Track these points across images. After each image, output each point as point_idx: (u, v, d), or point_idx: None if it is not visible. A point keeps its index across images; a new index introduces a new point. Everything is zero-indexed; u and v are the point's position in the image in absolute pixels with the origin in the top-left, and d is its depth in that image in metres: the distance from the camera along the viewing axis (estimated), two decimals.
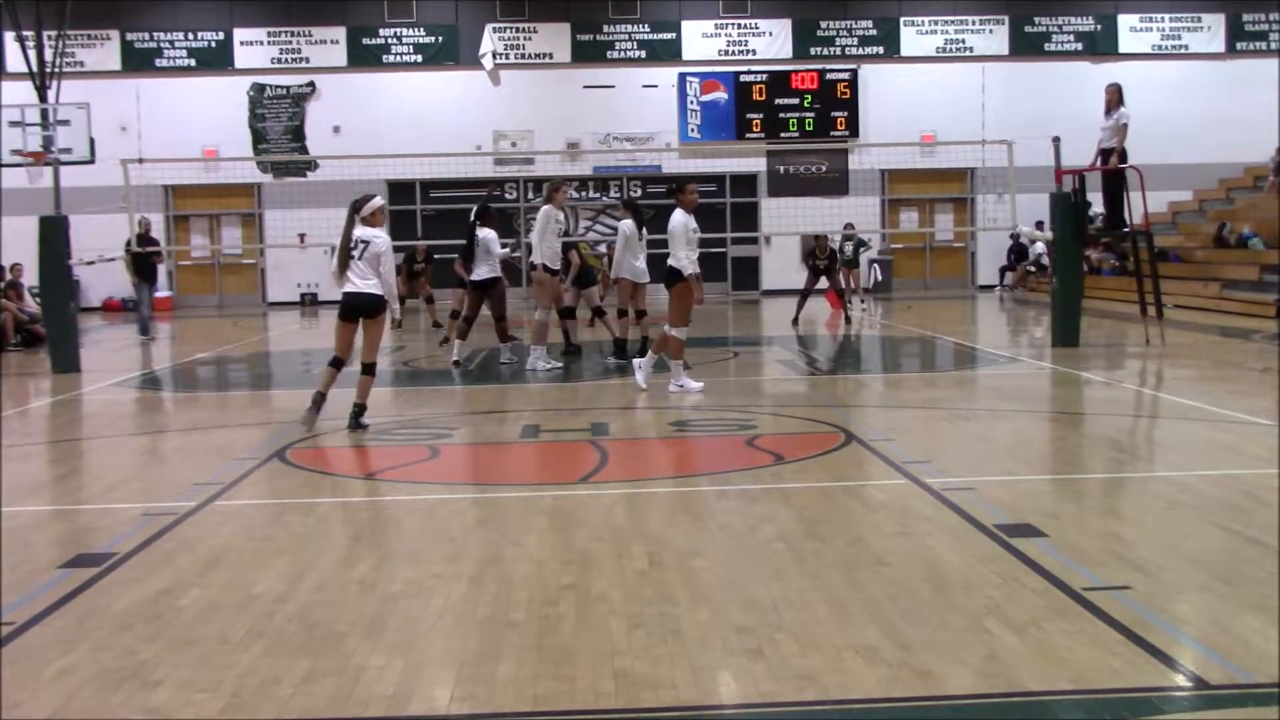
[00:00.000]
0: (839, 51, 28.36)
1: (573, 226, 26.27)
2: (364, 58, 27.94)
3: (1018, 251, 27.11)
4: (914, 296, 26.47)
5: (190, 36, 27.75)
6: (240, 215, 28.47)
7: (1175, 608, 4.59)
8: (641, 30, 28.24)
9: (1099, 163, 14.70)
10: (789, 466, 7.60)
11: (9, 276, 18.77)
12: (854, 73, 28.10)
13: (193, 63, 27.80)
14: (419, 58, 28.04)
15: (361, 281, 9.14)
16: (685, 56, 28.22)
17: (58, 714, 3.76)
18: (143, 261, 19.13)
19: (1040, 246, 23.78)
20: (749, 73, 28.14)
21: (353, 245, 9.14)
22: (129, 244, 17.97)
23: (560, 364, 13.25)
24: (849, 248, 21.86)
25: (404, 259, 19.84)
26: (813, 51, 28.33)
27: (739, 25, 28.35)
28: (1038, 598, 4.66)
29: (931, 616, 4.47)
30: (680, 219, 10.74)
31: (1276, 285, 18.23)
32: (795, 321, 18.64)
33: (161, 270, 27.36)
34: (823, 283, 19.24)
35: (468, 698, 3.81)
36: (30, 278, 17.83)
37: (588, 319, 15.31)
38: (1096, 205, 15.57)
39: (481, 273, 13.13)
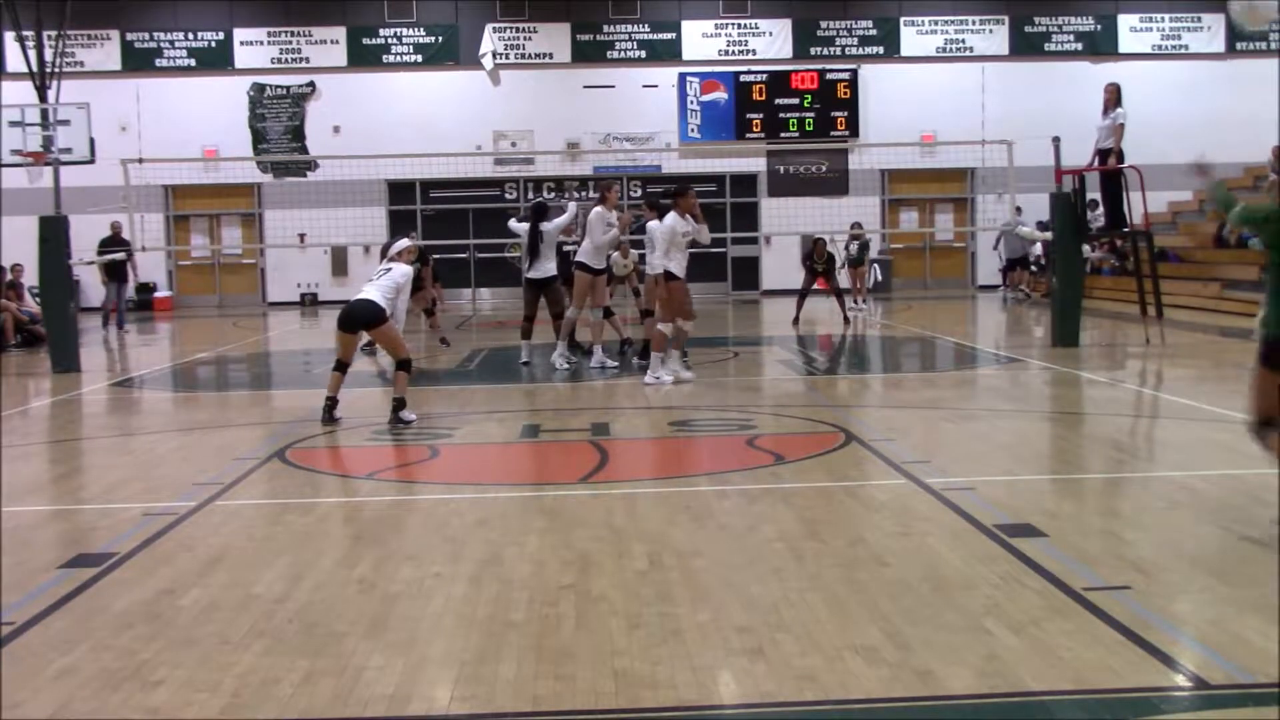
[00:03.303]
0: (839, 51, 28.34)
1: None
2: (364, 58, 27.92)
3: (1010, 260, 26.06)
4: (914, 296, 26.46)
5: (190, 36, 27.73)
6: (240, 215, 28.46)
7: (1175, 608, 4.59)
8: (641, 30, 28.23)
9: (1096, 163, 14.71)
10: (789, 466, 7.60)
11: (9, 276, 18.76)
12: (854, 73, 28.09)
13: (193, 63, 27.77)
14: (419, 58, 28.02)
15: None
16: (685, 56, 28.19)
17: (58, 714, 3.76)
18: (113, 262, 19.33)
19: (1038, 248, 23.73)
20: (749, 73, 28.12)
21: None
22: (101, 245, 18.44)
23: (616, 364, 13.09)
24: (854, 247, 21.86)
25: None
26: (813, 51, 28.31)
27: (739, 25, 28.34)
28: (1038, 598, 4.66)
29: (931, 616, 4.47)
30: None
31: None
32: (795, 321, 18.64)
33: (161, 270, 27.47)
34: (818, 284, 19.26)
35: (468, 698, 3.81)
36: (30, 278, 17.83)
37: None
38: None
39: (541, 270, 13.07)
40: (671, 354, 11.61)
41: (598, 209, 12.99)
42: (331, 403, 9.61)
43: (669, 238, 11.21)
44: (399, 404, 9.48)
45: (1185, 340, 14.93)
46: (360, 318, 9.54)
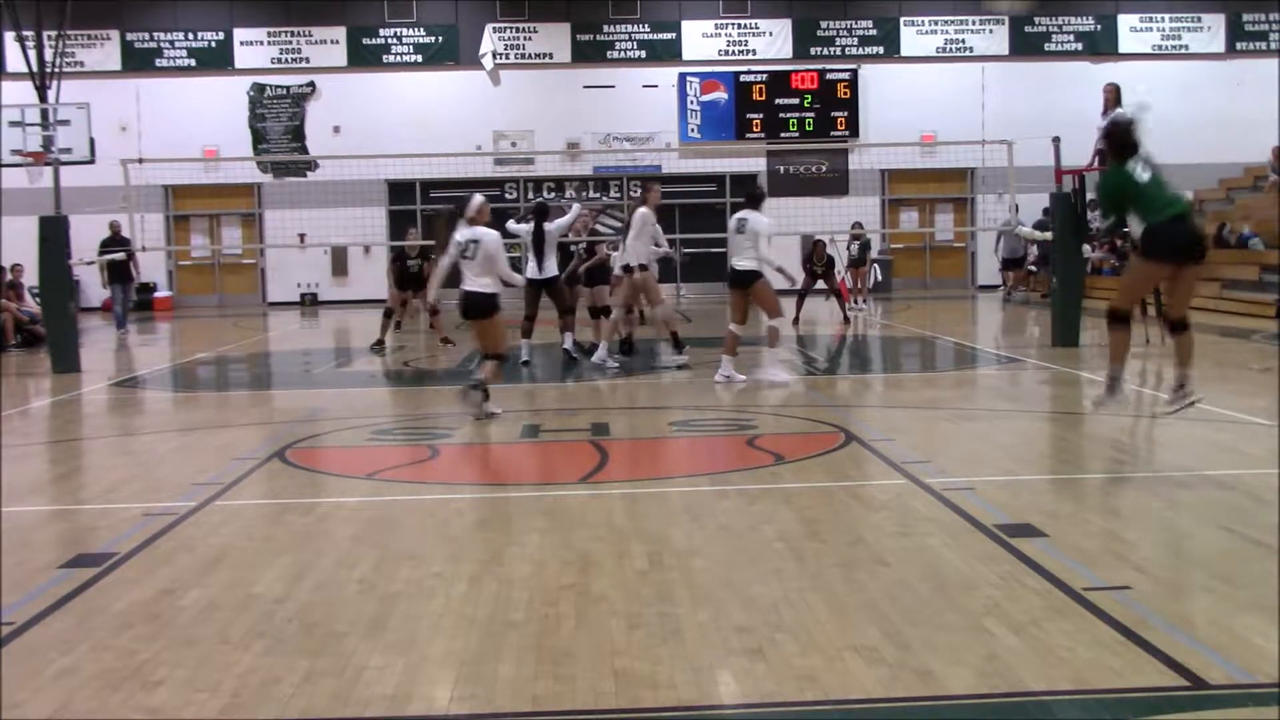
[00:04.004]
0: (839, 51, 28.35)
1: None
2: (364, 58, 27.93)
3: (1006, 260, 25.99)
4: (914, 296, 26.47)
5: (190, 36, 27.74)
6: (240, 215, 28.47)
7: (1175, 608, 4.59)
8: (641, 30, 28.23)
9: (1096, 163, 14.70)
10: (789, 466, 7.60)
11: (9, 276, 18.76)
12: (854, 73, 28.09)
13: (193, 63, 27.79)
14: (419, 58, 28.03)
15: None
16: (685, 56, 28.20)
17: (58, 714, 3.76)
18: (115, 262, 19.27)
19: (1034, 248, 23.70)
20: (749, 73, 28.13)
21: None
22: (102, 245, 18.49)
23: (617, 364, 13.02)
24: (855, 247, 21.86)
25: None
26: (813, 51, 28.32)
27: (739, 25, 28.35)
28: (1038, 598, 4.66)
29: (931, 616, 4.47)
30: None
31: (1276, 285, 18.22)
32: (795, 322, 18.63)
33: (161, 270, 27.48)
34: (819, 284, 19.26)
35: (468, 698, 3.81)
36: (30, 278, 17.83)
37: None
38: None
39: (543, 270, 13.07)
40: (776, 349, 11.78)
41: (643, 210, 13.02)
42: (478, 386, 9.49)
43: (768, 235, 11.28)
44: (480, 384, 9.40)
45: None
46: (480, 307, 9.38)
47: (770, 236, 11.27)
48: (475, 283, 9.35)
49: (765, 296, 11.36)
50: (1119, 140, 7.45)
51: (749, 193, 11.92)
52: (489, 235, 9.34)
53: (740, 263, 11.30)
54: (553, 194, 27.69)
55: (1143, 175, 7.24)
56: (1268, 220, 21.18)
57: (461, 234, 9.39)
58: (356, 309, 26.21)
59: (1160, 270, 7.27)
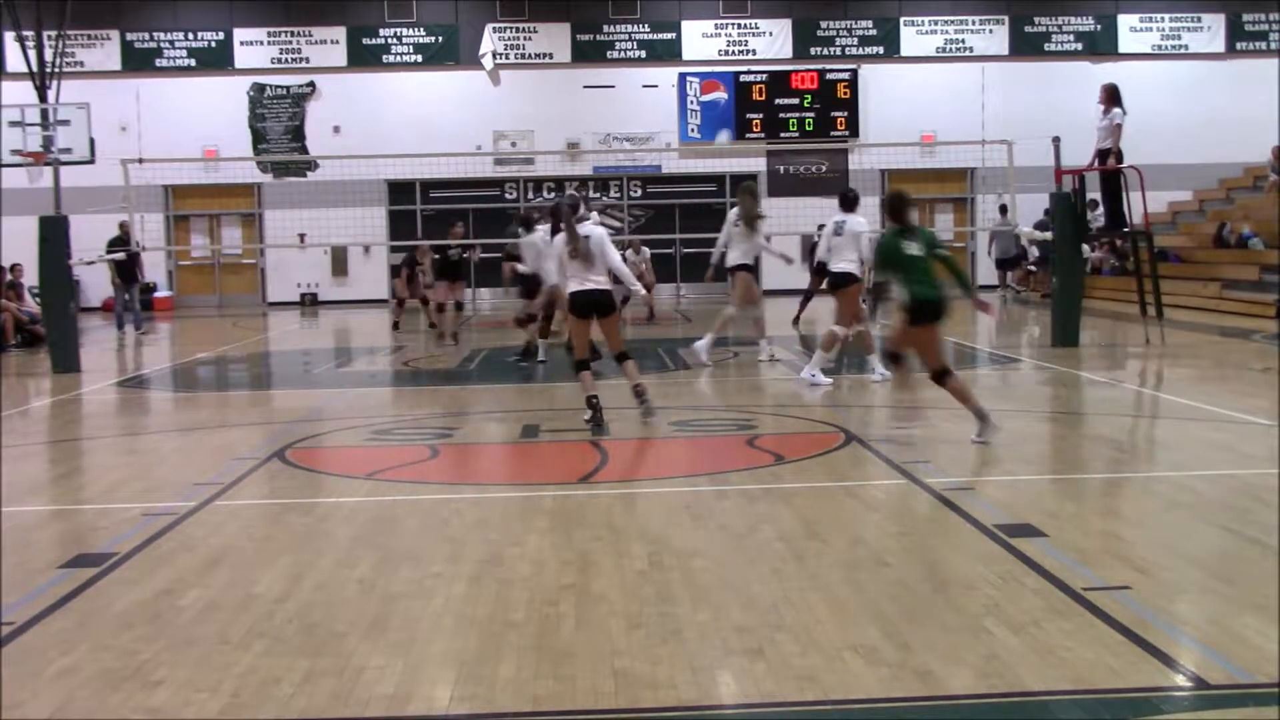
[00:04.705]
0: (839, 51, 28.34)
1: None
2: (364, 58, 27.92)
3: (1000, 260, 26.00)
4: None
5: (190, 36, 27.73)
6: (240, 215, 28.46)
7: (1175, 608, 4.59)
8: (641, 30, 28.23)
9: (1096, 163, 14.71)
10: (789, 466, 7.60)
11: (9, 276, 18.76)
12: (854, 73, 28.08)
13: (193, 63, 27.77)
14: (419, 58, 28.02)
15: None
16: (685, 56, 28.19)
17: (58, 714, 3.76)
18: (119, 262, 19.27)
19: (1034, 249, 23.69)
20: (749, 73, 28.12)
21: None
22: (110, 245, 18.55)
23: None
24: None
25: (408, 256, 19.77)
26: (813, 51, 28.31)
27: (739, 25, 28.34)
28: (1038, 598, 4.66)
29: (931, 616, 4.47)
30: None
31: (1276, 285, 18.22)
32: (796, 322, 18.62)
33: (161, 270, 27.47)
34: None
35: (468, 698, 3.82)
36: (30, 278, 17.83)
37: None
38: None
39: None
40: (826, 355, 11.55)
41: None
42: (593, 401, 9.02)
43: (868, 235, 11.20)
44: (641, 389, 9.18)
45: (1185, 340, 14.93)
46: (598, 304, 9.16)
47: (870, 237, 11.26)
48: (590, 280, 9.10)
49: (849, 302, 11.49)
50: (895, 207, 8.33)
51: (843, 195, 11.86)
52: (596, 229, 9.32)
53: (840, 264, 11.45)
54: (553, 194, 27.65)
55: (912, 250, 8.13)
56: (1268, 220, 21.18)
57: (580, 228, 9.24)
58: (356, 309, 26.22)
59: (919, 330, 8.17)
